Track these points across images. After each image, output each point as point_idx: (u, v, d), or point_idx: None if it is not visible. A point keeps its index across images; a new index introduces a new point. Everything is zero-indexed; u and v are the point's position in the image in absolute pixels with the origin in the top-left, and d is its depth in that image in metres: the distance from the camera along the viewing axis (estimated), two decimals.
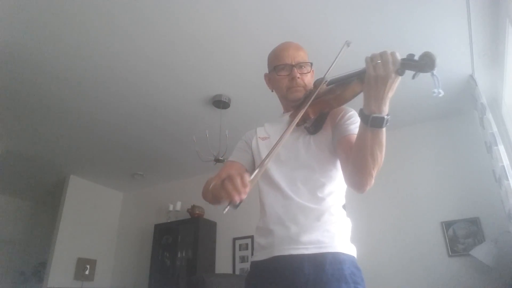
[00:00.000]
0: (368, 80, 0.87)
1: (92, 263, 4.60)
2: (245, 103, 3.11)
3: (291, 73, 1.16)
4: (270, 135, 1.21)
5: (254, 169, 1.16)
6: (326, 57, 2.62)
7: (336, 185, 1.10)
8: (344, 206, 1.13)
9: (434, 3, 2.18)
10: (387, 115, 0.87)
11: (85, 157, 4.24)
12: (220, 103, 3.10)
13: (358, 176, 0.96)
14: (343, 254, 0.99)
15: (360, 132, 0.92)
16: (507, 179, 2.33)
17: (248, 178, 0.86)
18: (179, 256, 4.25)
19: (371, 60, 0.86)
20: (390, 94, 0.87)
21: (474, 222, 3.00)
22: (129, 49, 2.53)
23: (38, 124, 3.49)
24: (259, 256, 1.06)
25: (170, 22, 2.31)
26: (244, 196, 0.84)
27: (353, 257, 1.02)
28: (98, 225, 4.87)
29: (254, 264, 1.08)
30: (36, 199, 5.67)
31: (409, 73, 0.84)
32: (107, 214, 5.10)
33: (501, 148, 2.45)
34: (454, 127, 3.40)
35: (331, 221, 1.03)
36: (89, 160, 4.34)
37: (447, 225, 3.10)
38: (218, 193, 0.94)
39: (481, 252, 2.71)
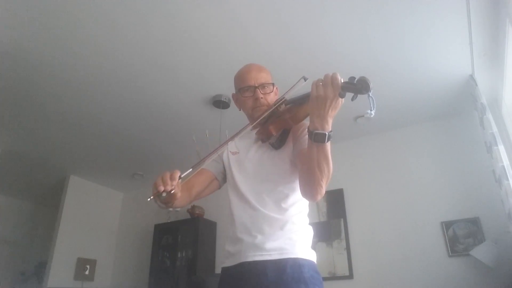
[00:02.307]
0: (311, 99, 0.96)
1: (92, 263, 4.60)
2: None
3: (254, 94, 1.26)
4: (240, 150, 1.30)
5: (224, 179, 1.34)
6: (324, 58, 2.62)
7: (299, 196, 1.17)
8: (308, 215, 1.21)
9: (434, 3, 2.18)
10: (330, 131, 0.95)
11: (85, 157, 4.24)
12: (220, 103, 3.10)
13: (308, 186, 1.05)
14: (303, 259, 1.08)
15: (308, 147, 1.01)
16: (507, 179, 2.32)
17: (177, 174, 1.02)
18: (179, 256, 4.24)
19: (316, 81, 0.95)
20: (332, 113, 0.95)
21: (474, 222, 3.01)
22: (129, 49, 2.53)
23: (38, 124, 3.48)
24: (228, 262, 1.16)
25: (170, 23, 2.31)
26: (169, 188, 0.98)
27: (313, 262, 1.12)
28: (98, 225, 4.86)
29: (224, 270, 1.18)
30: (36, 199, 5.67)
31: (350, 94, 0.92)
32: (107, 214, 5.09)
33: (501, 148, 2.44)
34: (454, 127, 3.40)
35: (293, 229, 1.12)
36: (89, 160, 4.34)
37: (447, 225, 3.10)
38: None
39: (481, 252, 2.71)
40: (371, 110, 0.87)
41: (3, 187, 5.13)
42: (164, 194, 0.99)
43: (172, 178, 1.01)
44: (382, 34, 2.42)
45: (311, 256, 1.12)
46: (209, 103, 3.16)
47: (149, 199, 1.01)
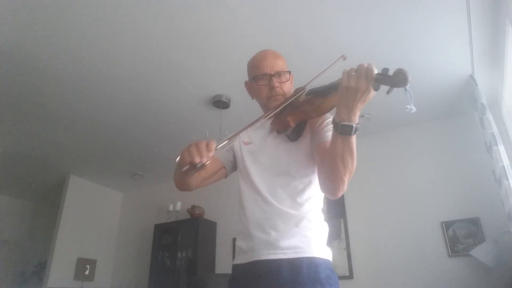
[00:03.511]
0: (340, 90, 0.90)
1: (92, 263, 4.60)
2: (245, 103, 3.11)
3: (270, 82, 1.19)
4: (253, 140, 1.24)
5: (232, 168, 1.27)
6: (324, 58, 2.62)
7: (315, 190, 1.13)
8: (322, 210, 1.16)
9: (434, 3, 2.18)
10: (357, 124, 0.91)
11: (85, 157, 4.24)
12: (220, 103, 3.10)
13: (330, 181, 1.01)
14: (319, 258, 1.03)
15: (332, 139, 0.96)
16: (507, 179, 2.32)
17: (214, 144, 0.96)
18: (179, 256, 4.24)
19: (347, 71, 0.90)
20: (361, 106, 0.90)
21: (474, 222, 3.00)
22: (129, 50, 2.53)
23: (38, 124, 3.49)
24: (240, 259, 1.10)
25: (170, 24, 2.31)
26: (205, 160, 0.93)
27: (329, 260, 1.07)
28: (98, 225, 4.87)
29: (235, 268, 1.12)
30: (36, 199, 5.67)
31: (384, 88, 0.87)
32: (107, 214, 5.10)
33: (501, 148, 2.44)
34: (454, 127, 3.40)
35: (309, 227, 1.07)
36: (89, 160, 4.34)
37: (447, 225, 3.10)
38: (181, 163, 1.00)
39: (481, 252, 2.71)
40: (410, 105, 0.82)
41: (3, 187, 5.14)
42: (198, 166, 0.93)
43: (209, 149, 0.95)
44: (382, 34, 2.42)
45: (327, 254, 1.07)
46: (209, 103, 3.16)
47: (184, 169, 0.97)
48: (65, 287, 4.21)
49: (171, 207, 4.51)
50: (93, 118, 3.40)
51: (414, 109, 0.83)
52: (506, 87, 2.74)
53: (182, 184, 1.19)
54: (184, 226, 4.31)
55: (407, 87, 0.81)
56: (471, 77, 2.79)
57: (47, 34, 2.36)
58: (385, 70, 0.84)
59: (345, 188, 0.99)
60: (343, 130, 0.91)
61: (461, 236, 3.02)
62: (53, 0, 2.11)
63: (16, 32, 2.33)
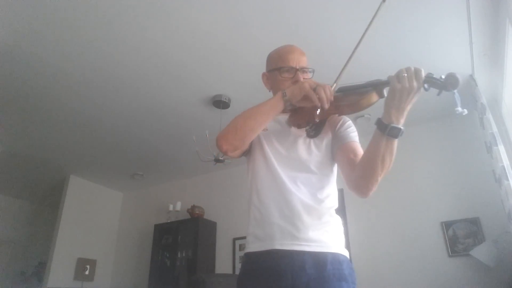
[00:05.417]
0: (393, 91, 0.92)
1: (92, 263, 4.60)
2: (245, 103, 3.09)
3: (294, 76, 1.18)
4: (267, 127, 1.21)
5: (246, 151, 1.21)
6: (326, 57, 2.63)
7: (333, 189, 1.14)
8: (336, 210, 1.15)
9: (434, 3, 2.18)
10: (402, 126, 0.93)
11: (85, 157, 4.24)
12: (220, 103, 3.10)
13: (364, 181, 1.02)
14: (341, 255, 1.04)
15: (375, 140, 0.98)
16: (507, 179, 2.33)
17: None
18: (179, 256, 4.25)
19: (397, 74, 0.92)
20: (409, 107, 0.92)
21: (474, 222, 3.00)
22: (129, 49, 2.53)
23: (38, 124, 3.49)
24: (255, 247, 1.06)
25: (170, 23, 2.31)
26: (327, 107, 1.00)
27: (348, 258, 1.07)
28: (98, 225, 4.87)
29: (249, 256, 1.07)
30: (36, 199, 5.67)
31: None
32: (107, 214, 5.10)
33: (501, 148, 2.45)
34: (454, 127, 3.40)
35: (330, 222, 1.07)
36: (89, 160, 4.34)
37: (447, 225, 3.10)
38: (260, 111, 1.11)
39: (481, 252, 2.71)
40: (462, 108, 0.86)
41: (3, 187, 5.14)
42: (318, 113, 0.99)
43: (331, 95, 1.00)
44: (383, 34, 2.42)
45: (346, 252, 1.08)
46: (209, 103, 3.16)
47: (317, 112, 1.02)
48: (65, 287, 4.21)
49: (171, 207, 4.51)
50: (93, 118, 3.40)
51: (466, 111, 0.87)
52: (506, 87, 2.74)
53: (250, 130, 1.12)
54: (184, 226, 4.31)
55: (455, 91, 0.85)
56: (471, 77, 2.79)
57: (47, 34, 2.37)
58: (430, 74, 0.89)
59: (375, 189, 1.02)
60: (391, 132, 0.93)
61: (461, 236, 3.02)
62: (54, 1, 2.11)
63: (16, 32, 2.33)
